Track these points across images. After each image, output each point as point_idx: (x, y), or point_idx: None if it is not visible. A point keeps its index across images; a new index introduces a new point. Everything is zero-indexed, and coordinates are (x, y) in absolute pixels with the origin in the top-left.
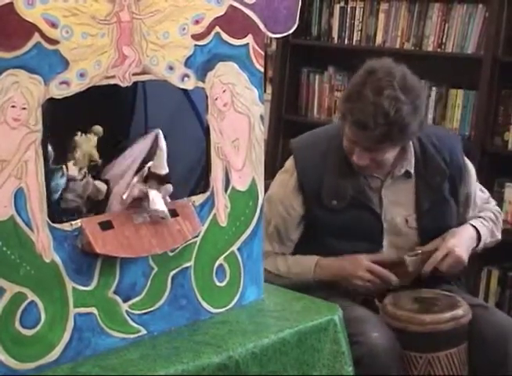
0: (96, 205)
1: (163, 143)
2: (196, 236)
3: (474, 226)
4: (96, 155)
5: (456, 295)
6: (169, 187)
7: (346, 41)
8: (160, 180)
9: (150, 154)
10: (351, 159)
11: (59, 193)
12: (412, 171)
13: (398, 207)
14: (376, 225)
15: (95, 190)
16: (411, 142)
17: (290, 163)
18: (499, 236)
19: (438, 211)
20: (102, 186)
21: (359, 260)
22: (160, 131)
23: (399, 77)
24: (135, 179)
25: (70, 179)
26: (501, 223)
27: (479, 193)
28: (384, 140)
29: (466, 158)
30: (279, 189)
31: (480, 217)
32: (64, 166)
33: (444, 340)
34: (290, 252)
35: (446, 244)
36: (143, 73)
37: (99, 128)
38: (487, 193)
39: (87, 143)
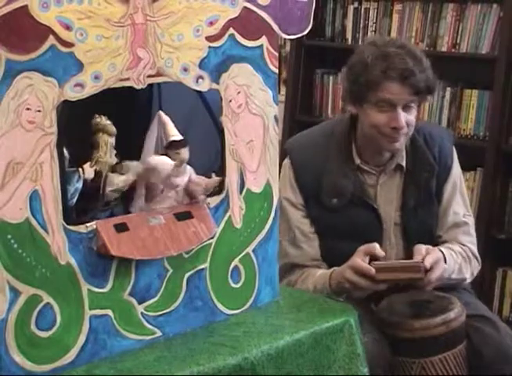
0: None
1: (164, 117)
2: (211, 238)
3: (442, 252)
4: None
5: (452, 297)
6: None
7: (360, 42)
8: (178, 147)
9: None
10: (380, 135)
11: (76, 196)
12: (404, 164)
13: (390, 204)
14: (376, 224)
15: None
16: None
17: (285, 163)
18: (467, 275)
19: (423, 210)
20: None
21: (351, 259)
22: (160, 112)
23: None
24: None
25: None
26: (473, 266)
27: (459, 206)
28: (421, 89)
29: (456, 158)
30: (282, 189)
31: (450, 248)
32: (80, 169)
33: (435, 344)
34: (319, 251)
35: (436, 254)
36: (158, 75)
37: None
38: (471, 221)
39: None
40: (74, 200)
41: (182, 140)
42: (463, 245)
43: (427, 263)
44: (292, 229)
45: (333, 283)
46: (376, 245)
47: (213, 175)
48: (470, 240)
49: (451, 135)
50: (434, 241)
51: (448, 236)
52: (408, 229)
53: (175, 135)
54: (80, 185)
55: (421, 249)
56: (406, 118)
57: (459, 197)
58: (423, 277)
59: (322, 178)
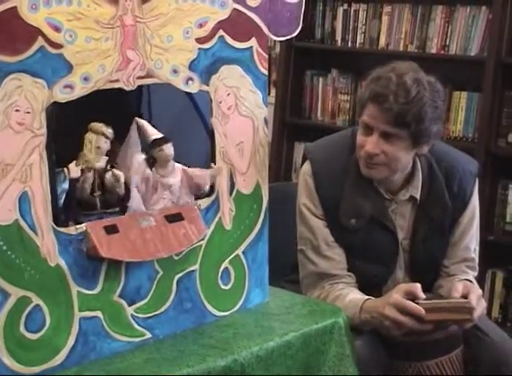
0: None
1: (141, 122)
2: (202, 240)
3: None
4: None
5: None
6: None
7: (349, 44)
8: (160, 144)
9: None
10: (359, 157)
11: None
12: (418, 196)
13: (401, 231)
14: (392, 247)
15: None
16: (419, 168)
17: (306, 169)
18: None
19: (432, 242)
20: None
21: (391, 297)
22: (136, 118)
23: (425, 75)
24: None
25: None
26: None
27: (471, 242)
28: (400, 122)
29: (475, 193)
30: (301, 195)
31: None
32: (66, 169)
33: (432, 349)
34: (344, 259)
35: (477, 291)
36: (147, 76)
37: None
38: (477, 255)
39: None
40: (61, 200)
41: (163, 137)
42: (469, 280)
43: (473, 303)
44: (316, 238)
45: (364, 317)
46: (418, 285)
47: (212, 164)
48: (473, 275)
49: (476, 167)
50: (439, 271)
51: (455, 269)
52: (415, 257)
53: (155, 134)
54: (66, 185)
55: (459, 286)
56: (384, 147)
57: (473, 231)
58: (471, 318)
59: (341, 198)
